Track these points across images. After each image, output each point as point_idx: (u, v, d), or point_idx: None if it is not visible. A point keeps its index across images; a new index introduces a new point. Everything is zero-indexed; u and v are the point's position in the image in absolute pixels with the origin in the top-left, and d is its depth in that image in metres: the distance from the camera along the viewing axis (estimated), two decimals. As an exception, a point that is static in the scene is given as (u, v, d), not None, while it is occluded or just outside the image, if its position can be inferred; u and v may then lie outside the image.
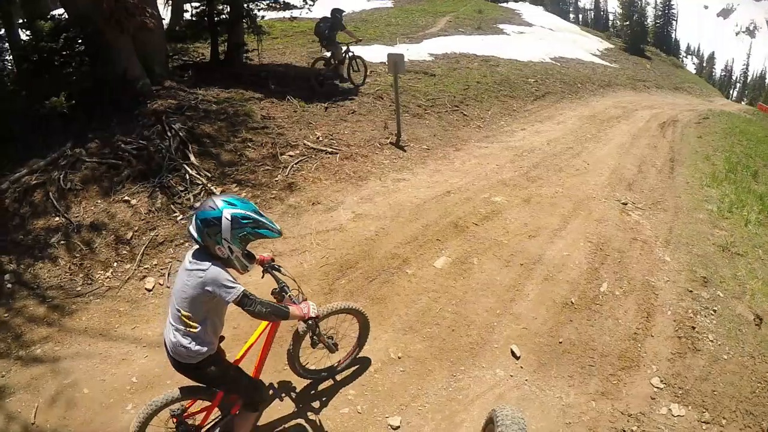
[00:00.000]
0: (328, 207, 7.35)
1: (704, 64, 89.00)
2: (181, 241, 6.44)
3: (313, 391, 4.40)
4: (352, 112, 10.81)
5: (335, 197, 7.65)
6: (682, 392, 4.58)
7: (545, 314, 5.35)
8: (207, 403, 3.41)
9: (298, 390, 4.41)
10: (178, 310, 2.98)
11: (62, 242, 6.28)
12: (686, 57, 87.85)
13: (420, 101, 12.37)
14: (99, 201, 6.81)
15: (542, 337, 5.06)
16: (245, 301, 2.87)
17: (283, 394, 4.34)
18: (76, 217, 6.59)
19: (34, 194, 6.78)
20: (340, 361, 4.52)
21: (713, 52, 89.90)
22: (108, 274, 5.99)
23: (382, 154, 9.40)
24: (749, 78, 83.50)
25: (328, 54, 12.11)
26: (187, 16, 13.93)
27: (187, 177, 7.25)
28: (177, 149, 7.70)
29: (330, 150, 8.98)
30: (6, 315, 5.36)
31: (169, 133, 7.87)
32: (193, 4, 12.55)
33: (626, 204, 8.07)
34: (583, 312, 5.40)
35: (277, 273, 3.62)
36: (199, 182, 7.22)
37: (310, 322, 3.31)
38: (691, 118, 16.34)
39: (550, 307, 5.45)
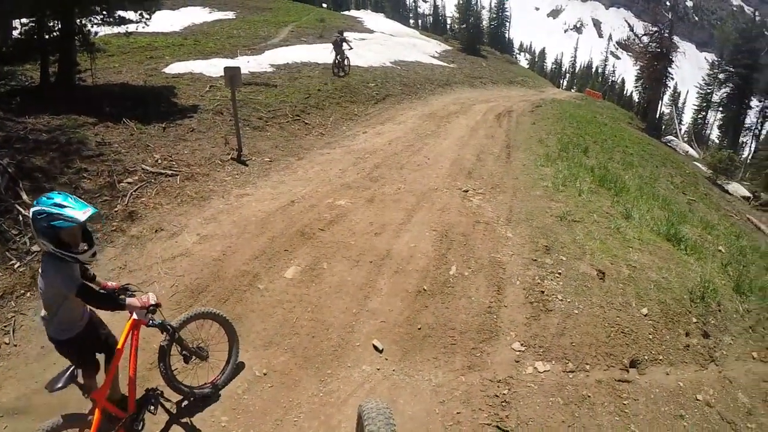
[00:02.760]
0: (172, 232, 7.27)
1: (536, 59, 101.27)
2: (23, 291, 6.03)
3: (185, 422, 4.34)
4: (192, 130, 10.87)
5: (178, 221, 7.60)
6: (543, 350, 5.27)
7: (400, 305, 5.78)
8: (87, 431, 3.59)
9: (168, 424, 4.35)
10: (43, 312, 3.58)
11: None
12: (519, 54, 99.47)
13: (261, 113, 12.76)
14: None
15: (401, 327, 5.45)
16: (82, 295, 3.39)
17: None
18: None
19: None
20: (221, 371, 4.75)
21: (544, 48, 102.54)
22: None
23: (223, 171, 9.55)
24: (577, 68, 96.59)
25: (339, 58, 18.51)
26: (15, 33, 12.90)
27: (20, 218, 6.94)
28: (7, 188, 7.30)
29: (170, 172, 8.95)
30: None
31: None
32: (22, 21, 11.89)
33: (467, 191, 8.98)
34: (436, 297, 5.92)
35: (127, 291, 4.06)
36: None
37: (150, 310, 3.70)
38: (525, 108, 18.54)
39: (404, 298, 5.89)
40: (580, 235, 7.46)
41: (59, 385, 3.39)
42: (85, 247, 3.51)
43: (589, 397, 4.81)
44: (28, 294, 6.01)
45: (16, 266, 6.37)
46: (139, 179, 8.55)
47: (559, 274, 6.43)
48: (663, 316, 5.97)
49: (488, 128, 14.61)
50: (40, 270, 3.49)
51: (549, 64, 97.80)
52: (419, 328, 5.44)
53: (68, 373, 3.47)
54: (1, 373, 5.09)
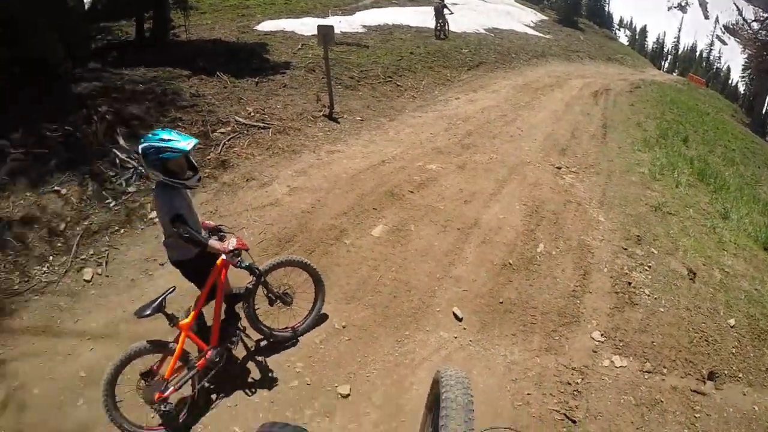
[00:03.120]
0: (263, 182, 7.48)
1: (636, 37, 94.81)
2: (116, 228, 6.50)
3: (260, 366, 4.58)
4: (284, 86, 10.99)
5: (269, 172, 7.79)
6: (622, 344, 5.09)
7: (485, 276, 5.75)
8: (170, 358, 3.89)
9: (245, 367, 4.60)
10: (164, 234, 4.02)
11: (-7, 240, 6.29)
12: (619, 30, 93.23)
13: (353, 73, 12.75)
14: (28, 194, 6.72)
15: (483, 299, 5.44)
16: (175, 223, 3.70)
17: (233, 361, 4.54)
18: (6, 212, 6.51)
19: (-45, 191, 6.72)
20: (304, 318, 4.95)
21: (645, 25, 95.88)
22: (44, 268, 5.97)
23: (315, 126, 9.66)
24: (680, 51, 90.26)
25: (440, 22, 18.73)
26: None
27: (117, 161, 7.34)
28: (105, 133, 7.74)
29: (262, 125, 9.13)
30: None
31: (95, 117, 7.83)
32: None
33: (560, 168, 8.70)
34: (521, 272, 5.85)
35: (219, 233, 4.38)
36: (130, 166, 7.25)
37: (233, 253, 3.98)
38: (623, 87, 17.55)
39: (489, 269, 5.85)
40: (674, 230, 7.12)
41: (147, 313, 3.69)
42: (191, 174, 3.89)
43: (661, 402, 4.61)
44: (122, 231, 6.47)
45: (111, 205, 6.82)
46: (231, 130, 8.79)
47: (649, 267, 6.18)
48: (750, 330, 5.60)
49: (584, 105, 13.98)
50: (154, 197, 3.97)
51: (650, 43, 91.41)
52: (501, 302, 5.40)
53: (157, 302, 3.75)
54: (92, 301, 5.55)
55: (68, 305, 5.51)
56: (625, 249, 6.46)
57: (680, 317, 5.54)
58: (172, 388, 3.88)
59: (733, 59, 66.21)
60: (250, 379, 4.48)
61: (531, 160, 8.88)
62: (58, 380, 4.59)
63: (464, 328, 5.09)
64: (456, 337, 4.98)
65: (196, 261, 4.04)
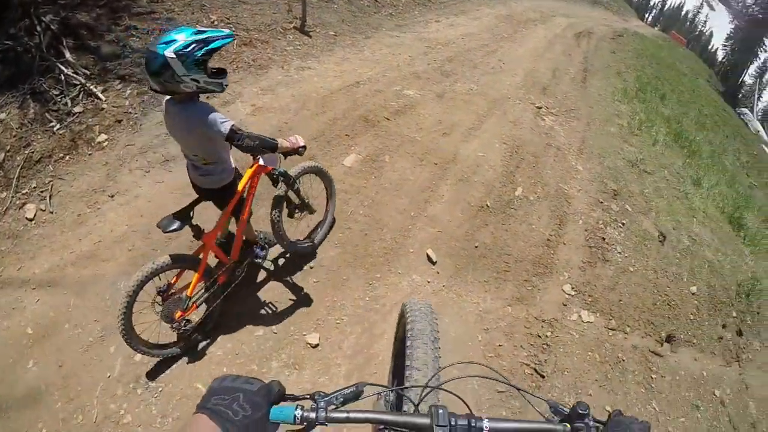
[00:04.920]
0: (225, 100, 6.79)
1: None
2: (61, 155, 5.78)
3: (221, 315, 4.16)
4: None
5: (232, 89, 7.07)
6: (591, 300, 4.98)
7: (461, 217, 5.43)
8: (192, 274, 3.58)
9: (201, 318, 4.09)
10: (195, 156, 3.35)
11: None
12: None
13: None
14: None
15: (458, 241, 5.14)
16: (233, 136, 3.07)
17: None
18: None
19: None
20: (317, 226, 4.85)
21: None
22: None
23: (284, 40, 8.82)
24: (666, 6, 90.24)
25: None
26: None
27: (63, 78, 6.43)
28: (49, 46, 6.77)
29: None
30: None
31: (39, 28, 6.83)
32: None
33: (540, 108, 8.37)
34: (498, 216, 5.56)
35: None
36: (77, 82, 6.41)
37: (300, 151, 3.63)
38: (605, 33, 17.21)
39: (466, 210, 5.54)
40: (649, 189, 7.00)
41: (174, 227, 3.21)
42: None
43: (623, 361, 4.61)
44: (67, 158, 5.77)
45: (55, 128, 6.08)
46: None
47: (623, 225, 6.04)
48: (708, 300, 5.67)
49: (566, 45, 13.59)
50: (176, 125, 3.20)
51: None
52: (476, 246, 5.11)
53: (184, 214, 3.29)
54: (35, 242, 4.98)
55: (9, 250, 4.93)
56: (601, 203, 6.27)
57: (647, 278, 5.49)
58: (194, 305, 3.65)
59: (718, 27, 66.60)
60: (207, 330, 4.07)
61: (512, 96, 8.49)
62: (3, 339, 4.13)
63: (437, 272, 4.79)
64: (429, 282, 4.68)
65: (233, 183, 3.61)
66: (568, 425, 1.21)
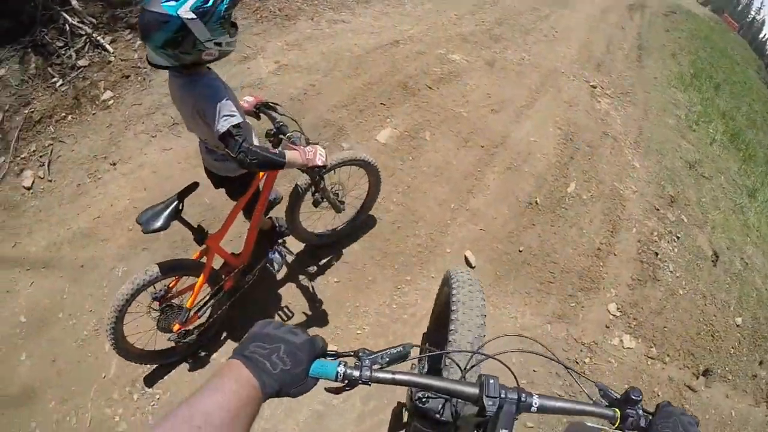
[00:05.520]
0: (245, 55, 6.04)
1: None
2: (63, 114, 5.26)
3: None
4: None
5: (254, 42, 6.30)
6: (636, 324, 4.42)
7: (506, 214, 4.77)
8: (194, 280, 3.03)
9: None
10: (205, 142, 2.75)
11: None
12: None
13: None
14: None
15: (501, 243, 4.49)
16: (227, 140, 2.33)
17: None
18: None
19: None
20: (350, 218, 4.15)
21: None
22: None
23: None
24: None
25: None
26: None
27: (67, 28, 5.83)
28: None
29: None
30: None
31: None
32: None
33: (595, 87, 7.59)
34: (547, 215, 4.90)
35: (272, 112, 3.03)
36: (83, 32, 5.80)
37: (315, 171, 2.77)
38: (658, 8, 16.12)
39: (513, 205, 4.87)
40: (706, 198, 6.33)
41: (159, 224, 2.54)
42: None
43: (658, 395, 4.10)
44: (69, 118, 5.27)
45: (58, 84, 5.58)
46: None
47: (677, 239, 5.38)
48: (751, 333, 5.08)
49: (620, 17, 12.64)
50: (182, 102, 2.49)
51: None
52: (520, 250, 4.47)
53: (171, 208, 2.60)
54: (33, 216, 4.58)
55: (5, 223, 4.51)
56: (657, 210, 5.60)
57: (695, 304, 4.91)
58: (195, 316, 3.13)
59: (773, 16, 64.31)
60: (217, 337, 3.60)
61: (566, 70, 7.67)
62: None
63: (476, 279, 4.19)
64: (465, 290, 4.08)
65: (248, 173, 2.95)
66: (618, 411, 1.17)
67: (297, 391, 0.96)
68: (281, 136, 2.87)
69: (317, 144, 2.71)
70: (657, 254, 5.07)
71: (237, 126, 2.31)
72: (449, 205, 4.68)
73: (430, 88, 6.06)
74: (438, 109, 5.74)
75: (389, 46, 6.82)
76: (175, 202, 2.60)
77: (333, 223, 4.02)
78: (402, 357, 1.19)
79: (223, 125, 2.29)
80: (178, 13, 2.04)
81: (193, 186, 2.74)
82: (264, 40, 6.39)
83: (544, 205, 4.97)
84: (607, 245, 4.92)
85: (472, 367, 1.67)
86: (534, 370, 3.69)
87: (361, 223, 4.27)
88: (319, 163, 2.64)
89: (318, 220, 3.88)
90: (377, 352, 1.16)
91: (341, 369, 1.05)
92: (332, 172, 3.43)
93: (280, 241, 3.61)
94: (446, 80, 6.31)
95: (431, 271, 4.09)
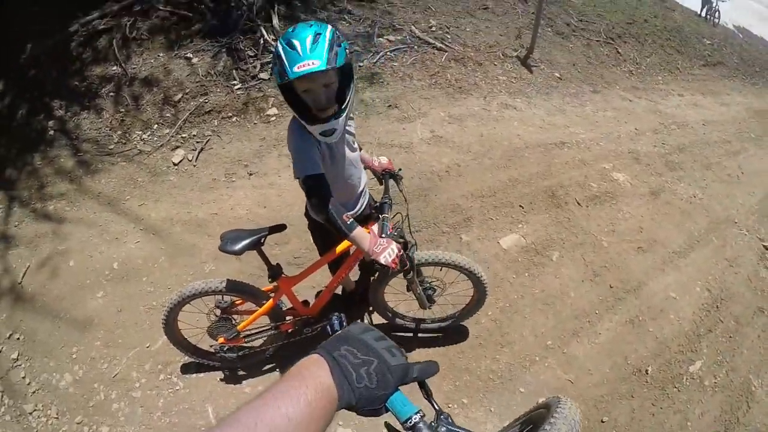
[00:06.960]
0: (406, 116, 6.17)
1: None
2: (230, 114, 6.12)
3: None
4: (484, 8, 9.34)
5: (419, 105, 6.41)
6: None
7: (606, 373, 4.15)
8: (254, 308, 3.23)
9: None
10: None
11: (111, 94, 6.35)
12: None
13: (570, 19, 10.47)
14: (161, 54, 6.71)
15: (585, 404, 3.90)
16: (305, 185, 2.40)
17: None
18: (133, 68, 6.56)
19: (99, 40, 6.77)
20: (428, 318, 3.96)
21: None
22: (145, 136, 6.00)
23: (501, 67, 7.95)
24: None
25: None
26: None
27: (262, 42, 6.82)
28: (261, 8, 7.22)
29: (439, 45, 7.70)
30: (39, 163, 5.74)
31: None
32: None
33: (768, 250, 6.56)
34: (653, 391, 4.18)
35: (391, 185, 3.14)
36: (273, 49, 6.46)
37: (377, 268, 3.07)
38: None
39: (618, 366, 4.23)
40: None
41: (235, 248, 2.68)
42: None
43: None
44: (234, 119, 6.02)
45: (236, 87, 6.39)
46: (401, 40, 7.50)
47: None
48: None
49: None
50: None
51: None
52: (603, 421, 3.82)
53: (254, 238, 2.75)
54: (167, 188, 5.39)
55: (143, 183, 5.42)
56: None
57: None
58: (241, 339, 3.34)
59: None
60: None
61: (739, 221, 6.68)
62: (94, 261, 4.59)
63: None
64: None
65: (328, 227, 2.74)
66: None
67: (366, 413, 0.88)
68: (378, 214, 2.80)
69: (394, 241, 2.54)
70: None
71: (310, 176, 2.34)
72: (545, 341, 4.22)
73: (578, 204, 5.64)
74: (578, 231, 5.29)
75: (553, 146, 6.50)
76: (262, 235, 2.78)
77: (418, 313, 3.78)
78: None
79: (299, 169, 2.38)
80: (328, 31, 2.29)
81: (282, 227, 2.93)
82: (429, 106, 6.48)
83: (654, 378, 4.27)
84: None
85: None
86: None
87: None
88: (382, 261, 2.45)
89: (405, 302, 3.68)
90: (458, 426, 1.08)
91: (416, 418, 0.93)
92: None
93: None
94: (600, 200, 5.82)
95: (492, 404, 3.70)
